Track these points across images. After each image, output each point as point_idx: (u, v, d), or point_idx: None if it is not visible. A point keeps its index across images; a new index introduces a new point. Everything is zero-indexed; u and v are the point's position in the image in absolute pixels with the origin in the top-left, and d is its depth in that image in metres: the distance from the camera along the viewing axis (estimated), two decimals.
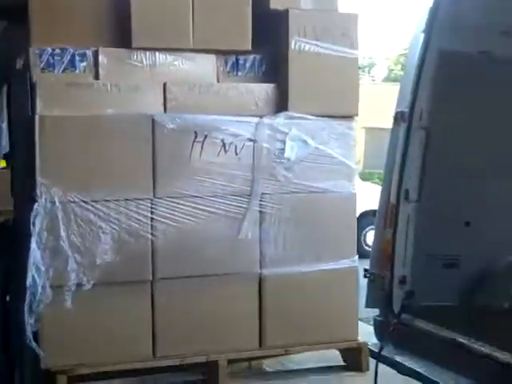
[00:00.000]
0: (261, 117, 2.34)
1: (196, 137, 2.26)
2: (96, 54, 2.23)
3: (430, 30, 3.75)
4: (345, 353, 2.47)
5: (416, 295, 3.64)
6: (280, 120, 2.35)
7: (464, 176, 3.89)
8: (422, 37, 3.56)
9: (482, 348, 3.10)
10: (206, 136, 2.27)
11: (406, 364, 3.26)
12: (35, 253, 2.07)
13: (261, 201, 2.34)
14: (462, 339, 3.23)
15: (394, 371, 3.36)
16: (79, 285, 2.13)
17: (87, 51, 2.23)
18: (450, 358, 2.81)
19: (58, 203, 2.11)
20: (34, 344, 2.09)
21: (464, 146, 3.93)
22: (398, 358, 3.23)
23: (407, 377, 3.38)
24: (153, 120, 2.22)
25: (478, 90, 3.85)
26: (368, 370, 2.45)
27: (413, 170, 3.66)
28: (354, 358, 2.45)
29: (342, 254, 2.45)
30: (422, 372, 3.22)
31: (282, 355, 2.43)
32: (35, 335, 2.10)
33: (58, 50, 2.20)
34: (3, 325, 2.13)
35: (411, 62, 3.85)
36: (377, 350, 3.01)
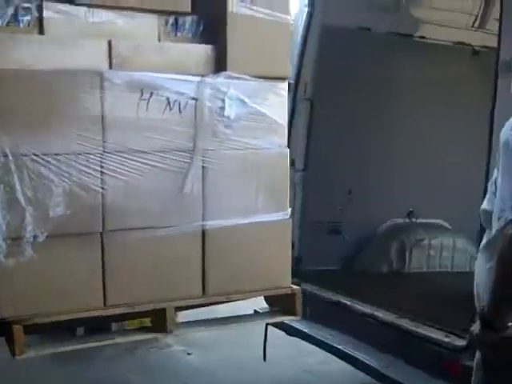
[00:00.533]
0: (202, 76, 2.46)
1: (142, 94, 2.34)
2: (40, 7, 2.25)
3: (312, 5, 4.01)
4: (280, 299, 2.65)
5: (303, 260, 3.94)
6: (220, 79, 2.48)
7: (347, 146, 4.24)
8: (306, 11, 3.78)
9: (363, 308, 3.47)
10: (151, 94, 2.35)
11: (294, 325, 3.55)
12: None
13: (203, 157, 2.46)
14: (344, 300, 3.59)
15: (283, 333, 3.66)
16: (34, 237, 2.17)
17: (31, 5, 2.24)
18: (334, 318, 3.11)
19: (10, 156, 2.13)
20: None
21: (347, 117, 4.29)
22: (287, 320, 3.53)
23: (295, 337, 3.69)
24: (101, 76, 2.28)
25: (360, 63, 4.21)
26: (301, 314, 2.67)
27: (298, 140, 3.94)
28: (289, 303, 2.65)
29: (277, 207, 2.63)
30: (308, 332, 3.52)
31: (223, 302, 2.58)
32: None
33: (1, 3, 2.20)
34: None
35: (297, 34, 4.08)
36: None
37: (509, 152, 1.82)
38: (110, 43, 2.32)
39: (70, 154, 2.24)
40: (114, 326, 3.08)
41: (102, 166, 2.29)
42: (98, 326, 2.57)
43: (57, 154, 2.21)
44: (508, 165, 1.82)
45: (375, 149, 4.40)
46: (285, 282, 2.66)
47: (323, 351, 3.57)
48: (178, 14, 2.50)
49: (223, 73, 2.49)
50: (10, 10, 2.20)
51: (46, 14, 2.25)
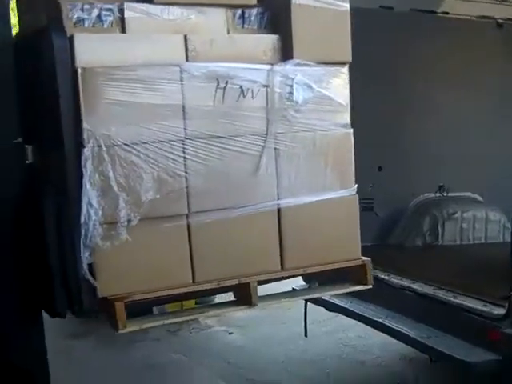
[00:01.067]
0: (271, 64, 2.61)
1: (218, 84, 2.50)
2: (121, 8, 2.42)
3: None
4: (352, 269, 2.80)
5: None
6: (288, 67, 2.63)
7: (377, 124, 4.33)
8: None
9: (401, 281, 3.58)
10: (226, 83, 2.51)
11: (333, 301, 3.67)
12: (89, 192, 2.27)
13: (275, 139, 2.62)
14: (382, 275, 3.70)
15: (323, 309, 3.80)
16: (128, 221, 2.35)
17: (112, 6, 2.42)
18: (372, 292, 3.23)
19: (104, 147, 2.31)
20: (89, 276, 2.31)
21: (376, 94, 4.36)
22: (325, 297, 3.67)
23: (335, 313, 3.81)
24: (180, 68, 2.44)
25: (386, 41, 4.28)
26: (372, 283, 2.81)
27: None
28: (360, 274, 2.79)
29: (344, 184, 2.78)
30: (348, 307, 3.63)
31: (300, 275, 2.74)
32: (90, 268, 2.32)
33: (86, 6, 2.38)
34: (60, 260, 2.31)
35: None
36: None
37: None
38: (185, 38, 2.48)
39: (155, 142, 2.41)
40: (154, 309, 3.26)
41: (184, 152, 2.46)
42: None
43: (144, 143, 2.39)
44: None
45: (404, 125, 4.52)
46: (355, 254, 2.80)
47: (361, 326, 3.73)
48: (244, 7, 2.66)
49: (290, 61, 2.63)
50: (95, 13, 2.38)
51: (126, 14, 2.42)
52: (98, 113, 2.31)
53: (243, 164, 2.57)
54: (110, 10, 2.41)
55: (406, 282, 3.55)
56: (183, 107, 2.45)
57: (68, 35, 2.29)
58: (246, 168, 2.57)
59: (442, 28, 4.46)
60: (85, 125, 2.28)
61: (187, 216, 2.48)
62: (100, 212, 2.30)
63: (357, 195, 2.82)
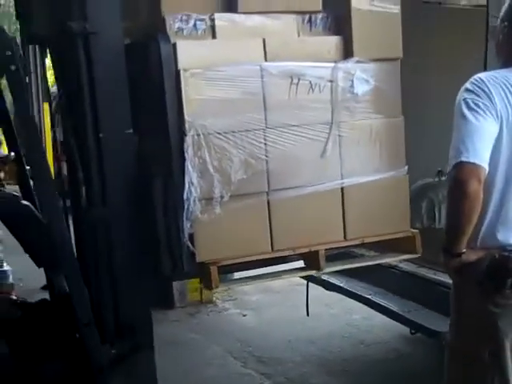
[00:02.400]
0: (335, 62, 3.04)
1: (292, 80, 2.94)
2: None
3: None
4: (403, 240, 3.23)
5: None
6: (349, 64, 3.05)
7: None
8: None
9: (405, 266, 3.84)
10: (298, 79, 2.95)
11: (331, 281, 4.02)
12: (191, 174, 2.73)
13: (339, 127, 3.05)
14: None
15: (323, 288, 4.17)
16: (220, 197, 2.80)
17: (205, 16, 2.85)
18: (365, 271, 3.56)
19: (201, 135, 2.76)
20: (189, 243, 2.77)
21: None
22: (325, 277, 4.01)
23: (331, 291, 4.16)
24: (261, 68, 2.88)
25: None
26: (420, 252, 3.24)
27: None
28: (410, 244, 3.23)
29: (396, 165, 3.21)
30: (342, 285, 3.98)
31: (359, 245, 3.19)
32: (190, 237, 2.78)
33: (184, 17, 2.82)
34: (166, 230, 2.77)
35: None
36: None
37: (456, 112, 2.15)
38: (264, 41, 2.92)
39: (242, 131, 2.85)
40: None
41: (265, 139, 2.90)
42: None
43: (233, 132, 2.83)
44: (455, 123, 2.15)
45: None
46: (405, 226, 3.25)
47: (365, 308, 4.08)
48: (311, 13, 3.08)
49: (351, 59, 3.06)
50: (191, 23, 2.82)
51: (216, 22, 2.86)
52: (196, 107, 2.76)
53: (313, 149, 3.01)
54: (203, 20, 2.84)
55: (408, 266, 3.80)
56: (264, 101, 2.89)
57: (172, 42, 2.73)
58: (314, 152, 3.01)
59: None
60: (186, 117, 2.74)
61: (267, 193, 2.94)
62: (199, 190, 2.76)
63: (407, 175, 3.25)
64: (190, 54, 2.77)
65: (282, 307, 5.40)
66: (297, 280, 4.32)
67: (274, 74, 2.90)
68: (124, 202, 2.84)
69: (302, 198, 2.99)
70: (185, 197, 2.74)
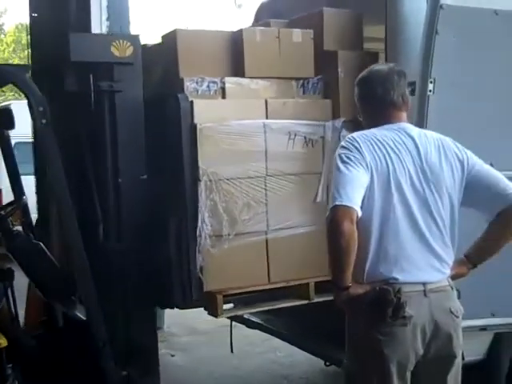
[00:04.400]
0: (325, 121, 3.53)
1: (289, 136, 3.41)
2: (223, 81, 3.33)
3: None
4: None
5: None
6: (337, 123, 3.54)
7: None
8: None
9: None
10: (295, 135, 3.42)
11: (253, 319, 4.20)
12: (203, 214, 3.14)
13: (328, 176, 3.50)
14: None
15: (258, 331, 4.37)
16: (228, 234, 3.22)
17: (216, 79, 3.32)
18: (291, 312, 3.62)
19: (213, 181, 3.19)
20: (200, 274, 3.16)
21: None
22: (247, 316, 4.17)
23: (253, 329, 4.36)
24: (263, 124, 3.34)
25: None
26: None
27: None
28: None
29: None
30: (267, 325, 4.17)
31: None
32: (200, 269, 3.18)
33: (199, 79, 3.28)
34: (178, 263, 3.16)
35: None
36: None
37: (333, 166, 2.41)
38: (266, 101, 3.40)
39: (246, 178, 3.29)
40: None
41: (265, 185, 3.35)
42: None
43: (239, 178, 3.27)
44: (333, 176, 2.39)
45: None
46: None
47: (290, 346, 4.32)
48: (304, 79, 3.58)
49: (338, 119, 3.55)
50: (205, 84, 3.29)
51: (226, 85, 3.33)
52: (209, 155, 3.20)
53: (306, 194, 3.46)
54: (214, 82, 3.32)
55: None
56: (266, 152, 3.35)
57: (189, 100, 3.19)
58: (308, 197, 3.46)
59: None
60: (200, 165, 3.17)
61: (266, 232, 3.36)
62: (210, 227, 3.17)
63: None
64: (204, 110, 3.22)
65: (209, 347, 5.51)
66: (223, 321, 4.29)
67: (275, 129, 3.37)
68: (137, 238, 3.23)
69: (296, 237, 3.42)
70: (197, 233, 3.14)
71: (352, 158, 2.36)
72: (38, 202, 4.72)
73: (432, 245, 2.40)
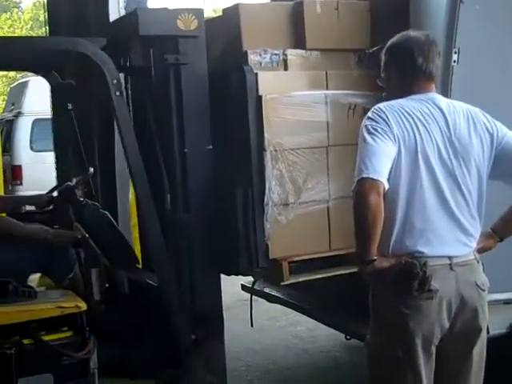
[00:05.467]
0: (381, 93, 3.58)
1: (349, 107, 3.47)
2: (285, 54, 3.40)
3: None
4: None
5: None
6: None
7: None
8: None
9: None
10: (355, 106, 3.48)
11: (274, 294, 4.24)
12: (270, 182, 3.23)
13: None
14: None
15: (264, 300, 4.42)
16: (293, 203, 3.30)
17: (278, 51, 3.39)
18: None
19: (278, 151, 3.27)
20: (268, 241, 3.26)
21: None
22: (267, 290, 4.31)
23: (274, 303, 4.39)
24: (324, 95, 3.41)
25: None
26: None
27: None
28: None
29: None
30: (288, 299, 4.19)
31: None
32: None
33: (261, 52, 3.35)
34: (245, 231, 3.25)
35: None
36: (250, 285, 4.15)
37: (359, 137, 2.42)
38: (326, 73, 3.46)
39: (309, 148, 3.37)
40: None
41: (327, 155, 3.43)
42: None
43: (303, 148, 3.35)
44: (359, 147, 2.40)
45: None
46: None
47: (311, 320, 4.36)
48: (360, 51, 3.63)
49: None
50: (268, 57, 3.35)
51: (288, 56, 3.40)
52: (274, 126, 3.27)
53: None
54: (276, 54, 3.38)
55: None
56: (327, 123, 3.42)
57: (254, 72, 3.26)
58: None
59: None
60: (266, 135, 3.25)
61: (327, 201, 3.44)
62: (276, 196, 3.26)
63: None
64: (268, 82, 3.30)
65: (229, 321, 5.19)
66: (243, 295, 4.52)
67: (335, 100, 3.44)
68: (204, 208, 3.32)
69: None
70: (265, 202, 3.23)
71: (379, 129, 2.34)
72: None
73: (459, 218, 2.38)
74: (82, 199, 3.43)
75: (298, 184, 3.33)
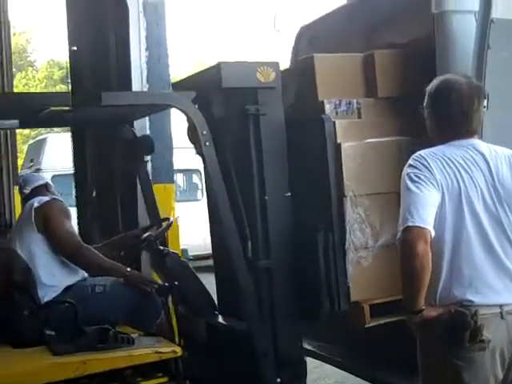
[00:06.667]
0: None
1: None
2: (358, 102, 3.53)
3: None
4: None
5: None
6: None
7: None
8: None
9: None
10: None
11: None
12: (351, 227, 3.32)
13: None
14: None
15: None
16: (372, 247, 3.39)
17: (353, 100, 3.52)
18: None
19: (356, 196, 3.37)
20: (349, 284, 3.33)
21: None
22: None
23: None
24: (397, 144, 3.52)
25: None
26: None
27: None
28: None
29: None
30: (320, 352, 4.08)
31: None
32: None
33: (337, 101, 3.49)
34: (326, 274, 3.32)
35: None
36: None
37: (402, 186, 2.43)
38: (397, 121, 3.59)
39: (382, 193, 3.45)
40: None
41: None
42: None
43: (377, 193, 3.44)
44: (402, 195, 2.41)
45: None
46: None
47: (341, 373, 4.36)
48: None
49: None
50: (343, 106, 3.48)
51: (362, 105, 3.53)
52: (352, 172, 3.38)
53: None
54: (350, 103, 3.52)
55: None
56: (396, 169, 3.51)
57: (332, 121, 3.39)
58: None
59: None
60: (345, 181, 3.35)
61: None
62: (357, 240, 3.35)
63: None
64: (344, 130, 3.42)
65: None
66: None
67: (405, 147, 3.54)
68: (285, 253, 3.41)
69: None
70: (347, 246, 3.32)
71: (422, 176, 2.34)
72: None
73: (506, 264, 2.36)
74: (162, 248, 3.53)
75: (375, 228, 3.42)
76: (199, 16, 40.46)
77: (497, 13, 3.24)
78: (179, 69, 18.91)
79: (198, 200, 10.57)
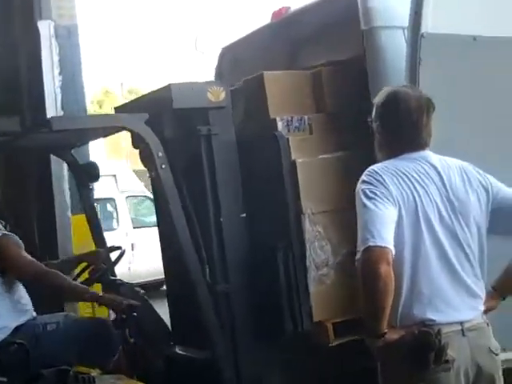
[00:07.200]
0: None
1: None
2: (309, 118, 3.50)
3: None
4: None
5: None
6: None
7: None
8: None
9: None
10: None
11: None
12: (310, 244, 3.26)
13: None
14: None
15: None
16: (332, 265, 3.34)
17: (304, 117, 3.49)
18: None
19: (311, 215, 3.32)
20: (311, 304, 3.26)
21: None
22: None
23: None
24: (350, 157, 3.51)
25: None
26: None
27: None
28: None
29: None
30: None
31: None
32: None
33: (289, 118, 3.44)
34: (288, 294, 3.24)
35: None
36: None
37: (357, 202, 2.29)
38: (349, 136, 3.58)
39: (341, 211, 3.41)
40: None
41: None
42: None
43: (334, 210, 3.40)
44: (358, 212, 2.28)
45: None
46: None
47: None
48: None
49: None
50: (294, 123, 3.44)
51: (312, 122, 3.49)
52: (308, 189, 3.34)
53: None
54: (302, 119, 3.48)
55: None
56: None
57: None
58: None
59: None
60: (302, 198, 3.30)
61: None
62: (317, 257, 3.29)
63: None
64: (298, 146, 3.38)
65: None
66: None
67: (358, 162, 3.54)
68: (244, 276, 3.31)
69: None
70: (307, 264, 3.26)
71: (378, 192, 2.24)
72: None
73: (465, 280, 2.30)
74: (115, 278, 3.35)
75: (335, 246, 3.38)
76: (116, 41, 39.72)
77: (427, 27, 3.22)
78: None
79: (113, 229, 10.30)
